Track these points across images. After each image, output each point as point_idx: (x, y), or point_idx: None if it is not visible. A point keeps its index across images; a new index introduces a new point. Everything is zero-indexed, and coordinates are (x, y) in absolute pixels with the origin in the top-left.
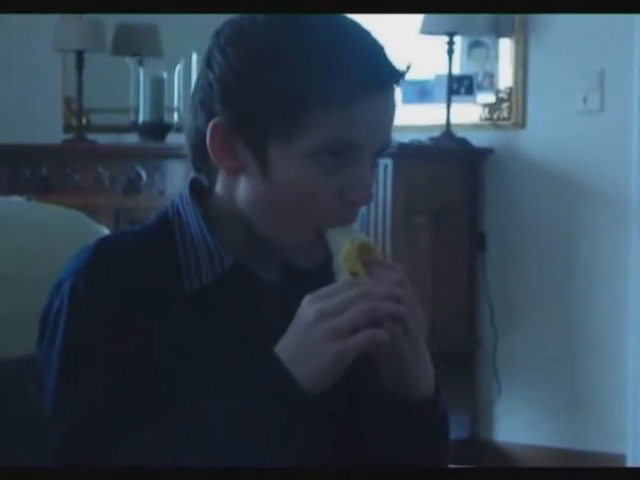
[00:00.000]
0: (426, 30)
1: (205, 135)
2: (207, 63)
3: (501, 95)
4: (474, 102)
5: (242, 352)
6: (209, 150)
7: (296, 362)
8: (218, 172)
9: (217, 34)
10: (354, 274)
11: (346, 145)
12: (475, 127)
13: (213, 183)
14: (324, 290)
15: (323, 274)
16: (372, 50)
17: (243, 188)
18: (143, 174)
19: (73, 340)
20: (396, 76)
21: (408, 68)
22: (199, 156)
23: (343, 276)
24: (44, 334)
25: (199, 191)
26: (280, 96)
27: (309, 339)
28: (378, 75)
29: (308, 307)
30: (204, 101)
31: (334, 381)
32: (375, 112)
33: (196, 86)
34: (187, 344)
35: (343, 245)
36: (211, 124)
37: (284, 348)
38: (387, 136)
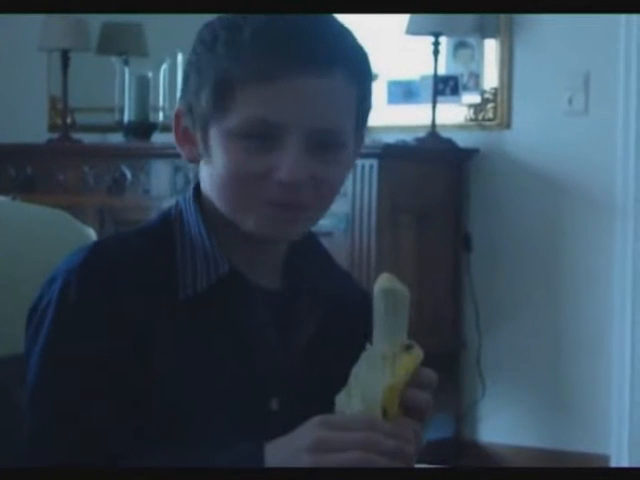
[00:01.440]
0: (411, 30)
1: None
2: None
3: (486, 96)
4: (459, 103)
5: (236, 360)
6: (174, 138)
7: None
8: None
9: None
10: (383, 412)
11: (267, 125)
12: (460, 127)
13: None
14: (338, 419)
15: (323, 278)
16: (303, 30)
17: (203, 174)
18: (128, 174)
19: (57, 337)
20: (332, 57)
21: (357, 50)
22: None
23: (368, 402)
24: (30, 327)
25: (201, 193)
26: (211, 78)
27: (296, 464)
28: (301, 55)
29: (313, 428)
30: (179, 98)
31: None
32: (299, 93)
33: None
34: (177, 350)
35: (394, 364)
36: (174, 114)
37: (273, 455)
38: (323, 119)
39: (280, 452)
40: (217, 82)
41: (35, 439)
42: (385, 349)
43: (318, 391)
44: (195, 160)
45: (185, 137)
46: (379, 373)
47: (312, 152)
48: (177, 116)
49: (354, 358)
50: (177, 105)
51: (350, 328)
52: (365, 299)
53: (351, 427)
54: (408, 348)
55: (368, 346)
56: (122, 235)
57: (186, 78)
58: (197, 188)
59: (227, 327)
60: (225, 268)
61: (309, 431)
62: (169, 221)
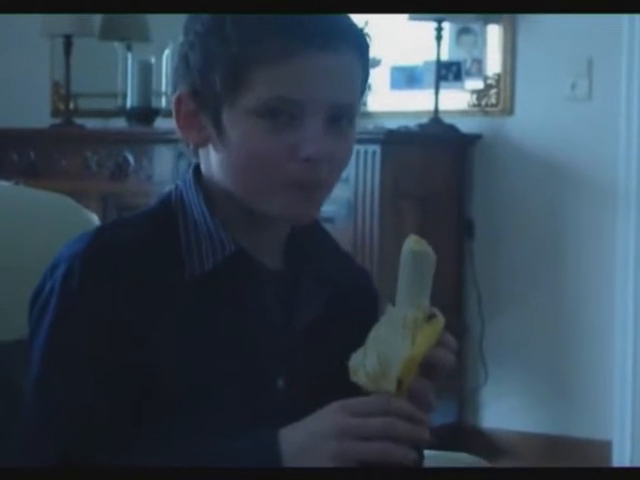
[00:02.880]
0: (415, 16)
1: None
2: (179, 46)
3: (489, 81)
4: (462, 88)
5: (243, 340)
6: (175, 125)
7: (294, 461)
8: (198, 152)
9: (186, 21)
10: (399, 390)
11: (287, 102)
12: (463, 113)
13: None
14: (355, 404)
15: (325, 258)
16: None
17: (213, 159)
18: (131, 159)
19: (61, 324)
20: (345, 33)
21: (366, 25)
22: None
23: (385, 382)
24: (32, 313)
25: (201, 176)
26: (223, 59)
27: (317, 451)
28: (317, 31)
29: (332, 414)
30: (174, 81)
31: None
32: (317, 69)
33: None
34: (187, 331)
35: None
36: (173, 98)
37: (290, 441)
38: (341, 95)
39: (297, 438)
40: (231, 62)
41: (42, 427)
42: (408, 313)
43: (323, 370)
44: (201, 144)
45: (189, 121)
46: (398, 338)
47: (330, 128)
48: (178, 100)
49: (358, 336)
50: (176, 89)
51: (353, 307)
52: (367, 278)
53: (370, 412)
54: (430, 317)
55: (390, 307)
56: (124, 220)
57: (185, 61)
58: (196, 172)
59: (234, 306)
60: (231, 248)
61: (328, 417)
62: (170, 205)
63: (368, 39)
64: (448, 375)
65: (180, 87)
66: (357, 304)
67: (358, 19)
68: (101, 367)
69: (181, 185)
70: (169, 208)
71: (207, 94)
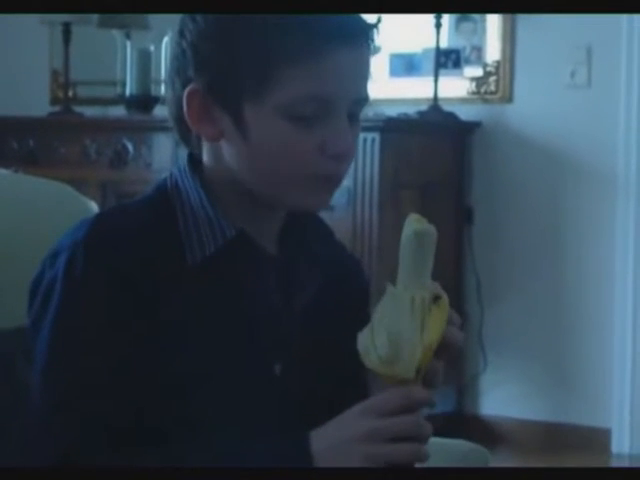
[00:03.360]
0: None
1: (182, 104)
2: (180, 31)
3: (488, 69)
4: (461, 76)
5: (243, 324)
6: (187, 118)
7: (324, 464)
8: (202, 142)
9: None
10: (417, 375)
11: (316, 100)
12: (462, 101)
13: (201, 154)
14: (380, 404)
15: (319, 244)
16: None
17: (227, 153)
18: (130, 147)
19: (67, 312)
20: (364, 29)
21: (378, 21)
22: (182, 127)
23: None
24: (34, 304)
25: (197, 164)
26: (249, 55)
27: (348, 456)
28: (346, 29)
29: (358, 420)
30: (179, 69)
31: None
32: (343, 66)
33: (171, 56)
34: (191, 316)
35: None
36: (186, 91)
37: (320, 447)
38: (361, 90)
39: (326, 443)
40: (260, 59)
41: (52, 414)
42: (415, 294)
43: (318, 356)
44: (215, 138)
45: (203, 115)
46: (407, 319)
47: (350, 122)
48: (191, 95)
49: (351, 323)
50: (186, 83)
51: (347, 293)
52: (358, 266)
53: (394, 409)
54: (437, 299)
55: (389, 285)
56: (122, 207)
57: (194, 51)
58: (191, 160)
59: (236, 290)
60: (232, 232)
61: (355, 421)
62: (166, 192)
63: (377, 33)
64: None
65: (189, 79)
66: (350, 291)
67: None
68: (108, 352)
69: (176, 172)
70: (165, 195)
71: (227, 88)
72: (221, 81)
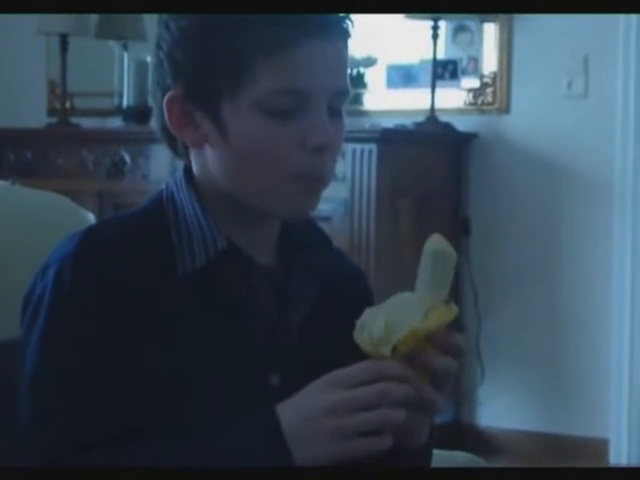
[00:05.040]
0: (411, 15)
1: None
2: (157, 43)
3: (485, 80)
4: (458, 87)
5: (236, 336)
6: (169, 126)
7: (296, 441)
8: (189, 151)
9: (162, 16)
10: (393, 354)
11: (293, 93)
12: (459, 112)
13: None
14: (345, 375)
15: (318, 254)
16: None
17: (210, 158)
18: (127, 158)
19: (54, 327)
20: (336, 20)
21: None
22: (168, 137)
23: (381, 345)
24: (25, 317)
25: (193, 175)
26: (222, 54)
27: (316, 430)
28: (314, 20)
29: (324, 392)
30: (159, 80)
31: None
32: (319, 58)
33: (152, 69)
34: (181, 329)
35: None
36: (165, 99)
37: (288, 421)
38: (340, 81)
39: (294, 417)
40: (232, 56)
41: (36, 429)
42: (426, 298)
43: (318, 365)
44: (198, 144)
45: (184, 121)
46: (412, 310)
47: (331, 116)
48: (170, 102)
49: (351, 333)
50: (166, 92)
51: (347, 303)
52: (361, 277)
53: (360, 381)
54: (447, 303)
55: (408, 294)
56: (113, 219)
57: (170, 59)
58: (187, 172)
59: (227, 302)
60: (223, 244)
61: (320, 394)
62: (161, 203)
63: (352, 25)
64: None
65: (168, 87)
66: (350, 301)
67: (367, 23)
68: (96, 366)
69: (171, 184)
70: (160, 207)
71: (204, 91)
72: (197, 84)
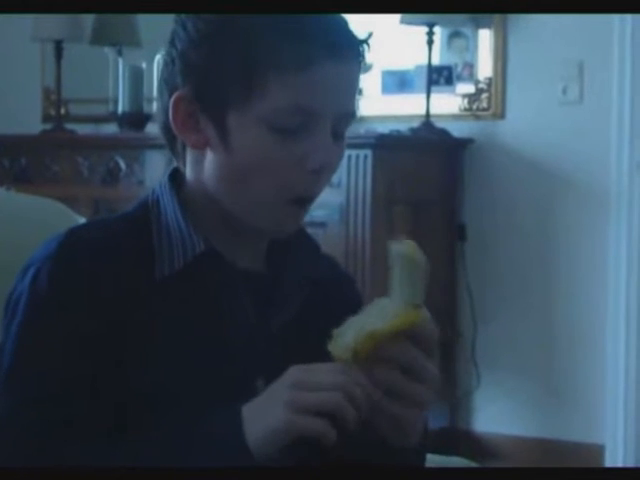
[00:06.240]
0: (406, 20)
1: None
2: (171, 41)
3: (481, 86)
4: (454, 92)
5: (215, 340)
6: (173, 126)
7: (252, 419)
8: (186, 152)
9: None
10: (355, 358)
11: (302, 111)
12: (455, 117)
13: (184, 167)
14: (313, 366)
15: (305, 259)
16: (330, 18)
17: (208, 163)
18: (122, 164)
19: (29, 329)
20: (354, 43)
21: (369, 36)
22: (169, 137)
23: (344, 347)
24: (5, 318)
25: (179, 179)
26: (235, 63)
27: (273, 400)
28: (333, 41)
29: (289, 374)
30: (168, 78)
31: (280, 448)
32: (332, 79)
33: (161, 66)
34: (157, 331)
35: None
36: (173, 98)
37: (254, 402)
38: (348, 105)
39: (259, 400)
40: (246, 67)
41: (9, 419)
42: (398, 302)
43: None
44: (199, 147)
45: (188, 122)
46: (383, 313)
47: (334, 137)
48: (177, 101)
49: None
50: (173, 90)
51: (334, 308)
52: (349, 281)
53: (324, 372)
54: (416, 307)
55: (385, 300)
56: (98, 222)
57: (184, 59)
58: (173, 175)
59: (205, 306)
60: (201, 247)
61: (285, 376)
62: (146, 207)
63: (367, 49)
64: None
65: (176, 86)
66: (337, 306)
67: (363, 29)
68: (68, 369)
69: (157, 188)
70: (145, 210)
71: (213, 96)
72: (207, 88)
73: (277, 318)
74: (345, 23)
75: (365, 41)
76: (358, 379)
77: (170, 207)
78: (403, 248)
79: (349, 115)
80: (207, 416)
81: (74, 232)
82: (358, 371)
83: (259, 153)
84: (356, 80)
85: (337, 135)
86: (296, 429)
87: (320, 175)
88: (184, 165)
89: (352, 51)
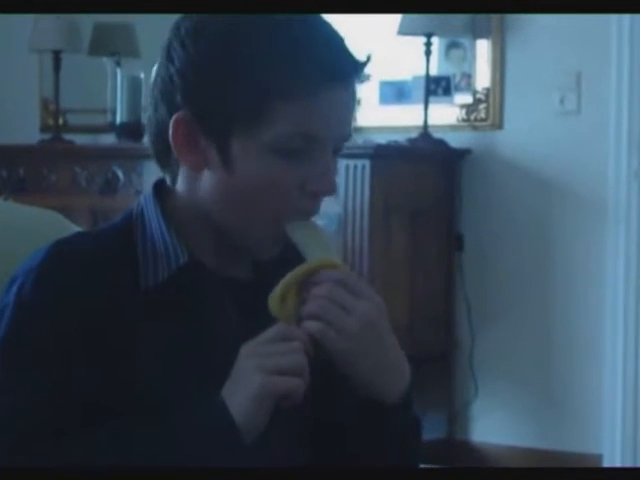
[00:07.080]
0: (404, 31)
1: (165, 128)
2: (167, 55)
3: (478, 96)
4: (451, 103)
5: (200, 349)
6: (172, 146)
7: (232, 393)
8: (179, 168)
9: (177, 26)
10: (287, 319)
11: (307, 138)
12: (452, 128)
13: (175, 179)
14: (261, 336)
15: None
16: (332, 43)
17: (206, 183)
18: (120, 174)
19: (12, 340)
20: (356, 68)
21: (368, 59)
22: (161, 150)
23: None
24: None
25: (164, 191)
26: (242, 89)
27: (244, 372)
28: (338, 68)
29: (245, 348)
30: (164, 94)
31: (263, 415)
32: (336, 105)
33: (155, 78)
34: (140, 342)
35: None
36: (173, 119)
37: (228, 382)
38: (347, 128)
39: (228, 383)
40: (251, 93)
41: None
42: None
43: None
44: (198, 168)
45: (189, 144)
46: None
47: (333, 160)
48: (177, 122)
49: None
50: (172, 107)
51: None
52: None
53: (272, 339)
54: (330, 262)
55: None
56: (85, 233)
57: (183, 79)
58: (157, 186)
59: (190, 316)
60: (185, 257)
61: (242, 350)
62: (131, 219)
63: (366, 70)
64: (436, 391)
65: (176, 105)
66: None
67: (362, 42)
68: (51, 381)
69: (142, 200)
70: (130, 222)
71: (217, 121)
72: (210, 112)
73: (263, 326)
74: (345, 47)
75: (366, 64)
76: (296, 334)
77: (154, 218)
78: (297, 224)
79: (347, 137)
80: (191, 408)
81: (60, 244)
82: (294, 326)
83: (262, 176)
84: (354, 101)
85: (334, 157)
86: (273, 388)
87: (318, 198)
88: (173, 177)
89: (353, 74)
